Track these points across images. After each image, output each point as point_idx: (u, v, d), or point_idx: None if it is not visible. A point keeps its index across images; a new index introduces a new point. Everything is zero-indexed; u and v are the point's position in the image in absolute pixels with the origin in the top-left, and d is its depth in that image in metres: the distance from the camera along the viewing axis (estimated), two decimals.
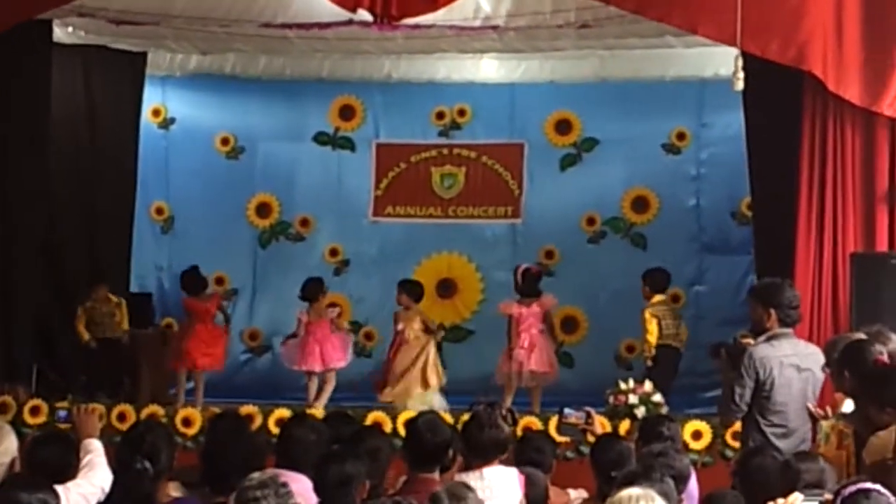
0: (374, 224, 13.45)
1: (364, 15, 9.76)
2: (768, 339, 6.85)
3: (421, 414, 6.15)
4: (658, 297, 11.24)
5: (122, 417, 10.07)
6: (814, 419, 6.54)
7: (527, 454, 6.53)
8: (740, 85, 8.55)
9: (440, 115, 13.35)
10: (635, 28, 10.22)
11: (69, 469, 5.32)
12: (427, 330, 11.37)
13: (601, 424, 7.09)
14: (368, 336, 13.14)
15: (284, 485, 4.24)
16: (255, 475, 4.29)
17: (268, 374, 12.96)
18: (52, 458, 5.34)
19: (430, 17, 10.06)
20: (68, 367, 11.86)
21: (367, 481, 5.10)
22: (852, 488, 4.12)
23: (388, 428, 9.48)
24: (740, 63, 8.49)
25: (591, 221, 13.03)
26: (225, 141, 13.56)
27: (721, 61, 10.57)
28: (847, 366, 5.94)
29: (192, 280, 11.96)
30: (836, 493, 4.16)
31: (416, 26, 10.38)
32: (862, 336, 6.32)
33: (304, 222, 13.50)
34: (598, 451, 6.05)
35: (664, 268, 11.49)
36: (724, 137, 12.35)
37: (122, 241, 12.63)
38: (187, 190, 13.57)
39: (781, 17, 8.92)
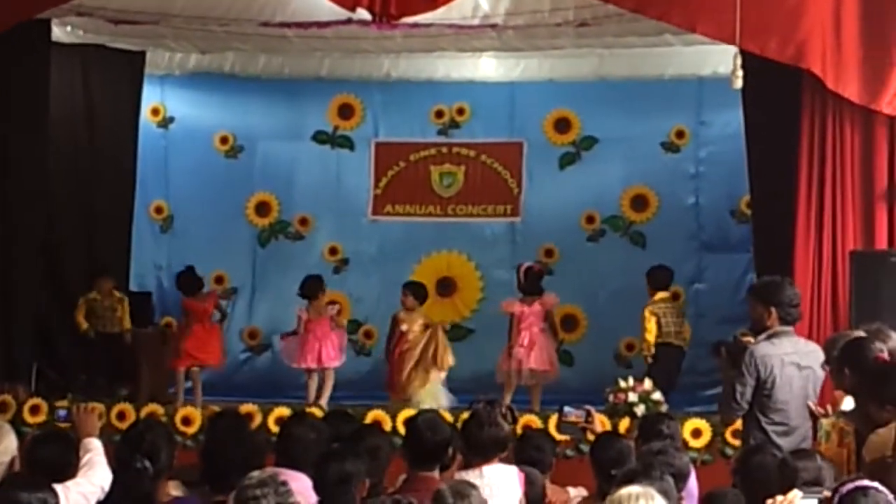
0: (373, 223, 13.45)
1: (363, 14, 9.76)
2: (769, 338, 6.85)
3: (421, 412, 6.15)
4: (660, 295, 11.24)
5: (121, 416, 10.05)
6: (814, 417, 6.55)
7: (527, 453, 6.53)
8: (739, 83, 8.55)
9: (439, 114, 13.35)
10: (634, 26, 10.22)
11: (69, 468, 5.32)
12: (427, 326, 11.38)
13: (601, 423, 7.09)
14: (368, 334, 13.15)
15: (284, 483, 4.24)
16: (255, 474, 4.29)
17: (267, 373, 12.97)
18: (52, 458, 5.33)
19: (429, 16, 10.05)
20: (68, 366, 11.87)
21: (366, 480, 5.10)
22: (850, 486, 4.12)
23: (387, 426, 9.47)
24: (739, 61, 8.49)
25: (590, 220, 13.03)
26: (224, 140, 13.56)
27: (720, 59, 10.59)
28: (847, 363, 5.95)
29: (188, 280, 11.97)
30: (835, 491, 4.16)
31: (415, 25, 10.37)
32: (861, 334, 6.33)
33: (304, 221, 13.50)
34: (597, 450, 6.05)
35: (667, 265, 11.49)
36: (723, 136, 12.35)
37: (122, 241, 12.63)
38: (186, 189, 13.57)
39: (780, 15, 8.93)
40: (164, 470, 5.37)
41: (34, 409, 10.25)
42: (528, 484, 5.88)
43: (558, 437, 8.46)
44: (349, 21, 10.28)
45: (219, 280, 13.24)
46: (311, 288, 11.59)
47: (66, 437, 5.60)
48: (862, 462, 5.37)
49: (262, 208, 13.53)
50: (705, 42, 9.90)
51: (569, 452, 9.11)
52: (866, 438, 5.38)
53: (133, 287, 12.79)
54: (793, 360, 6.80)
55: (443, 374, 11.14)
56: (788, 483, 5.00)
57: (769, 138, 9.82)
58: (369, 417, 9.72)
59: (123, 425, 9.40)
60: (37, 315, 11.34)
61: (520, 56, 12.52)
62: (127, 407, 10.22)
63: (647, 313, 11.07)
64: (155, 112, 13.49)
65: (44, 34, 10.98)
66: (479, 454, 5.71)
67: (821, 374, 6.77)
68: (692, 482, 5.67)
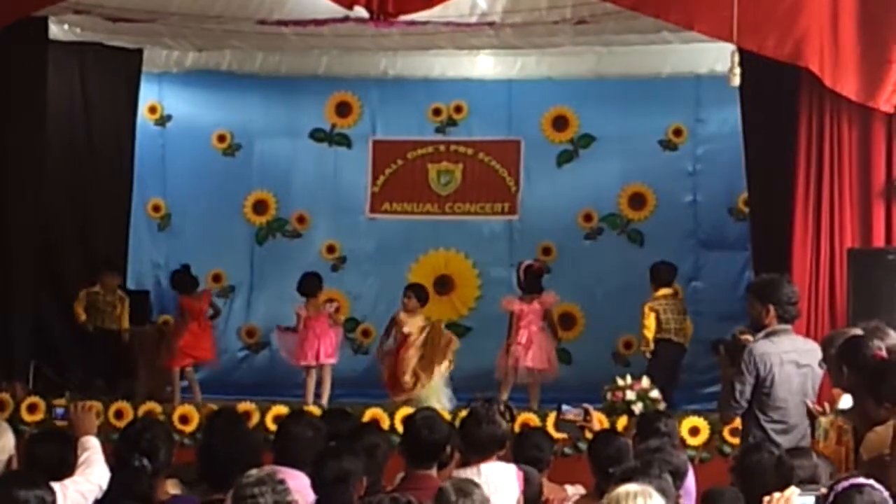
0: (370, 221, 13.44)
1: (360, 11, 9.76)
2: (768, 336, 6.85)
3: (419, 411, 6.15)
4: (662, 291, 11.23)
5: (119, 415, 10.06)
6: (812, 415, 6.55)
7: (525, 451, 6.53)
8: (737, 81, 8.55)
9: (437, 112, 13.34)
10: (632, 24, 10.22)
11: (67, 466, 5.31)
12: (425, 327, 11.38)
13: (599, 421, 7.10)
14: (366, 333, 13.14)
15: (282, 481, 4.24)
16: (253, 472, 4.30)
17: (265, 371, 12.97)
18: (50, 456, 5.34)
19: (427, 14, 10.06)
20: (66, 365, 11.87)
21: (364, 478, 5.10)
22: (846, 483, 4.12)
23: (385, 424, 9.48)
24: (737, 59, 8.50)
25: (588, 218, 13.03)
26: (221, 138, 13.54)
27: (717, 57, 10.60)
28: (845, 361, 5.95)
29: (183, 279, 11.98)
30: (831, 489, 4.16)
31: (413, 23, 10.36)
32: (859, 331, 6.32)
33: (301, 219, 13.49)
34: (595, 448, 6.05)
35: (670, 262, 11.48)
36: (720, 133, 12.35)
37: (119, 239, 12.62)
38: (184, 187, 13.55)
39: (778, 13, 8.93)
40: (162, 468, 5.38)
41: (32, 408, 10.25)
42: (525, 482, 5.87)
43: (556, 435, 8.44)
44: (346, 19, 10.28)
45: (216, 278, 13.24)
46: (310, 285, 11.61)
47: (63, 436, 5.60)
48: (860, 460, 5.37)
49: (260, 206, 13.52)
50: (703, 40, 9.91)
51: (567, 450, 9.12)
52: (864, 436, 5.38)
53: (131, 285, 12.78)
54: (792, 359, 6.81)
55: (446, 372, 11.13)
56: (785, 481, 5.00)
57: (767, 136, 9.83)
58: (367, 415, 9.71)
59: (121, 424, 9.39)
60: (34, 313, 11.34)
61: (517, 54, 12.51)
62: (125, 405, 10.22)
63: (646, 309, 11.07)
64: (152, 110, 13.48)
65: (41, 32, 10.97)
66: (477, 452, 5.71)
67: (819, 372, 6.77)
68: (690, 480, 5.67)
